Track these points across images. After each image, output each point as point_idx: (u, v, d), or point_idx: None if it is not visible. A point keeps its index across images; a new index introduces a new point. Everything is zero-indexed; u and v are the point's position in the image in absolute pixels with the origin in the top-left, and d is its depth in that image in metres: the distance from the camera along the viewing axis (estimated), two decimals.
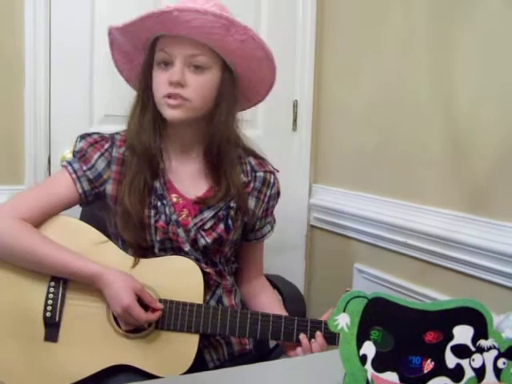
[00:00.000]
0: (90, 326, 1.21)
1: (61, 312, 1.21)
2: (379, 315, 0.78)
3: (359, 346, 0.78)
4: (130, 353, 1.20)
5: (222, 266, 1.34)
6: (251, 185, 1.35)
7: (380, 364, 0.77)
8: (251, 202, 1.35)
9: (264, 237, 1.42)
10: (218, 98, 1.27)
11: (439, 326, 0.78)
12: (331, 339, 1.21)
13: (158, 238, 1.25)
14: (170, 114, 1.23)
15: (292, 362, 1.16)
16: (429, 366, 0.77)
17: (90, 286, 1.20)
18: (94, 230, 1.27)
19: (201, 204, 1.29)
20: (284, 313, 1.34)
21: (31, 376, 1.19)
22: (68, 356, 1.20)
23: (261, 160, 1.40)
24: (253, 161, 1.38)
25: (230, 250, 1.35)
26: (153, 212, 1.26)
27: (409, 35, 1.72)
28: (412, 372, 0.77)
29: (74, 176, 1.27)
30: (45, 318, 1.20)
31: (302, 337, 1.21)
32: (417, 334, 0.78)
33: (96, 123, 1.81)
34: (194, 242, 1.27)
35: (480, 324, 0.77)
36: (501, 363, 0.77)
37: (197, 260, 1.27)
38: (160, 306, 1.20)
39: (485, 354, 0.77)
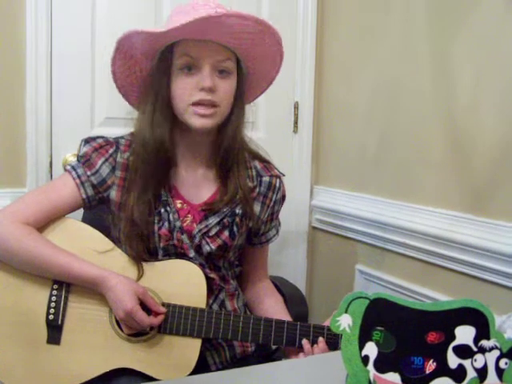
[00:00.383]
0: (92, 329, 1.21)
1: (63, 315, 1.21)
2: (381, 316, 0.78)
3: (361, 346, 0.78)
4: (132, 356, 1.20)
5: (226, 271, 1.34)
6: (256, 190, 1.34)
7: (382, 365, 0.77)
8: (256, 207, 1.33)
9: (269, 241, 1.42)
10: (234, 101, 1.26)
11: (441, 327, 0.78)
12: (333, 345, 1.20)
13: (162, 245, 1.25)
14: (199, 122, 1.20)
15: (294, 363, 1.16)
16: (431, 366, 0.77)
17: (93, 289, 1.20)
18: (98, 233, 1.26)
19: (206, 210, 1.28)
20: (289, 317, 1.34)
21: (33, 378, 1.19)
22: (70, 359, 1.20)
23: (266, 164, 1.38)
24: (258, 165, 1.36)
25: (234, 254, 1.35)
26: (156, 219, 1.25)
27: (409, 37, 1.72)
28: (414, 372, 0.77)
29: (77, 181, 1.25)
30: (47, 320, 1.20)
31: (305, 342, 1.20)
32: (419, 335, 0.78)
33: (97, 126, 1.81)
34: (198, 248, 1.27)
35: (482, 324, 0.77)
36: (503, 363, 0.77)
37: (201, 265, 1.26)
38: (163, 309, 1.20)
39: (487, 354, 0.77)
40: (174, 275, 1.24)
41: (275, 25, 2.07)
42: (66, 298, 1.22)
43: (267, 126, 2.08)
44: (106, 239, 1.26)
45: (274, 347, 1.45)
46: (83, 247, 1.23)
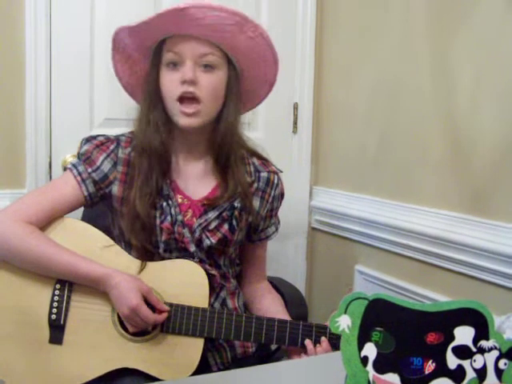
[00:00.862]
0: (94, 328, 1.21)
1: (66, 315, 1.21)
2: (380, 317, 0.78)
3: (360, 347, 0.78)
4: (135, 356, 1.20)
5: (227, 269, 1.34)
6: (255, 185, 1.35)
7: (381, 365, 0.77)
8: (256, 203, 1.35)
9: (268, 238, 1.42)
10: (225, 97, 1.27)
11: (440, 327, 0.78)
12: (336, 344, 1.20)
13: (163, 239, 1.25)
14: (185, 121, 1.23)
15: (293, 364, 1.16)
16: (430, 367, 0.77)
17: (96, 288, 1.20)
18: (99, 232, 1.27)
19: (206, 205, 1.29)
20: (287, 317, 1.34)
21: (36, 378, 1.19)
22: (72, 358, 1.20)
23: (264, 160, 1.40)
24: (256, 161, 1.38)
25: (234, 251, 1.36)
26: (158, 213, 1.26)
27: (409, 37, 1.72)
28: (413, 373, 0.77)
29: (78, 179, 1.26)
30: (50, 320, 1.21)
31: (308, 343, 1.20)
32: (418, 335, 0.78)
33: (96, 127, 1.81)
34: (199, 243, 1.27)
35: (481, 325, 0.77)
36: (502, 364, 0.77)
37: (201, 261, 1.27)
38: (167, 308, 1.20)
39: (486, 354, 0.77)
40: (176, 275, 1.24)
41: (274, 26, 2.08)
42: (69, 298, 1.22)
43: (267, 126, 2.09)
44: (106, 237, 1.26)
45: (274, 347, 1.45)
46: (84, 245, 1.23)
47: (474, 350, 0.77)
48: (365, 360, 0.78)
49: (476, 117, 1.50)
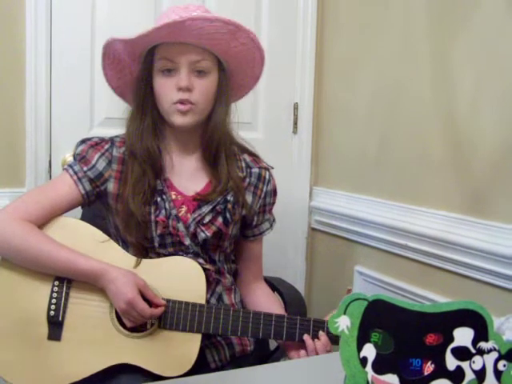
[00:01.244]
0: (93, 325, 1.22)
1: (64, 311, 1.22)
2: (379, 317, 0.78)
3: (359, 348, 0.78)
4: (133, 352, 1.20)
5: (221, 264, 1.35)
6: (247, 180, 1.38)
7: (380, 366, 0.77)
8: (248, 197, 1.37)
9: (262, 234, 1.44)
10: (216, 98, 1.31)
11: (440, 328, 0.78)
12: (333, 338, 1.20)
13: (158, 232, 1.27)
14: (180, 120, 1.27)
15: (292, 364, 1.16)
16: (429, 368, 0.77)
17: (94, 284, 1.21)
18: (96, 230, 1.28)
19: (199, 200, 1.31)
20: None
21: (34, 374, 1.20)
22: (71, 355, 1.20)
23: (255, 157, 1.43)
24: (247, 158, 1.41)
25: (229, 246, 1.37)
26: (153, 208, 1.28)
27: (409, 38, 1.72)
28: (412, 374, 0.77)
29: (75, 177, 1.29)
30: (48, 317, 1.21)
31: (307, 338, 1.21)
32: (417, 336, 0.78)
33: (96, 126, 1.81)
34: (193, 237, 1.29)
35: (480, 326, 0.77)
36: (501, 365, 0.77)
37: (196, 254, 1.29)
38: (163, 302, 1.21)
39: (485, 356, 0.77)
40: (173, 271, 1.26)
41: (275, 26, 2.08)
42: (67, 295, 1.23)
43: (267, 126, 2.09)
44: (103, 234, 1.28)
45: (272, 348, 1.45)
46: (81, 242, 1.24)
47: (474, 351, 0.77)
48: (364, 361, 0.78)
49: (476, 118, 1.50)
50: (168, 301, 1.22)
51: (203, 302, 1.23)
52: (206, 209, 1.31)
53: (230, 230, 1.33)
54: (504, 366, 0.77)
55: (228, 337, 1.30)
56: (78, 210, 1.41)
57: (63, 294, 1.23)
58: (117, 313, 1.22)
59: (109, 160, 1.31)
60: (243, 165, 1.39)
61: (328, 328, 1.20)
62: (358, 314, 0.78)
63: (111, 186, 1.30)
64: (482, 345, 0.77)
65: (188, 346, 1.21)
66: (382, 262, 1.84)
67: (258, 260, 1.48)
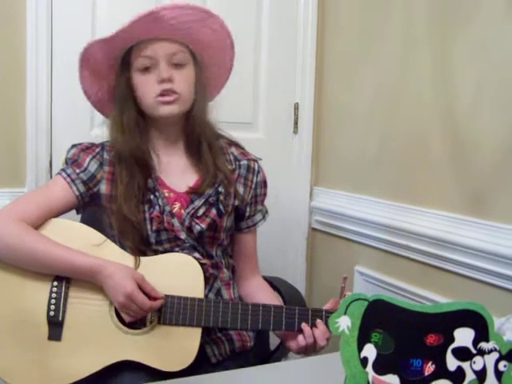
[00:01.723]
0: (92, 323, 1.22)
1: (64, 311, 1.22)
2: (380, 318, 0.78)
3: (360, 348, 0.78)
4: (133, 349, 1.21)
5: (219, 259, 1.36)
6: (236, 172, 1.40)
7: (381, 366, 0.77)
8: (239, 188, 1.39)
9: (255, 225, 1.45)
10: (195, 91, 1.35)
11: (440, 329, 0.78)
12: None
13: (154, 229, 1.28)
14: (166, 110, 1.29)
15: (293, 364, 1.16)
16: (430, 368, 0.77)
17: (92, 282, 1.21)
18: (93, 230, 1.28)
19: (191, 194, 1.33)
20: None
21: (35, 375, 1.20)
22: (71, 354, 1.21)
23: (242, 150, 1.45)
24: (235, 151, 1.43)
25: (226, 238, 1.38)
26: (147, 206, 1.30)
27: (409, 39, 1.72)
28: (413, 375, 0.77)
29: (68, 180, 1.31)
30: (48, 317, 1.22)
31: (304, 325, 1.21)
32: (418, 337, 0.78)
33: (96, 127, 1.81)
34: (189, 231, 1.31)
35: (481, 326, 0.77)
36: (502, 366, 0.77)
37: (193, 247, 1.30)
38: (161, 294, 1.21)
39: (486, 356, 0.77)
40: (171, 268, 1.26)
41: (276, 27, 2.08)
42: (66, 295, 1.23)
43: (267, 126, 2.09)
44: (100, 234, 1.28)
45: (272, 348, 1.45)
46: (78, 243, 1.25)
47: (474, 351, 0.77)
48: (364, 361, 0.78)
49: (476, 119, 1.50)
50: (167, 296, 1.22)
51: (202, 296, 1.23)
52: (198, 202, 1.33)
53: (225, 221, 1.35)
54: (505, 366, 0.77)
55: (228, 332, 1.31)
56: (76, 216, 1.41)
57: (62, 294, 1.23)
58: (116, 311, 1.22)
59: (100, 162, 1.33)
60: (231, 158, 1.41)
61: (326, 316, 1.21)
62: (359, 314, 0.78)
63: (104, 188, 1.32)
64: (483, 345, 0.77)
65: (188, 340, 1.21)
66: (383, 262, 1.84)
67: (254, 254, 1.48)
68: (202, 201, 1.33)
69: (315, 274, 2.21)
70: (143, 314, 1.20)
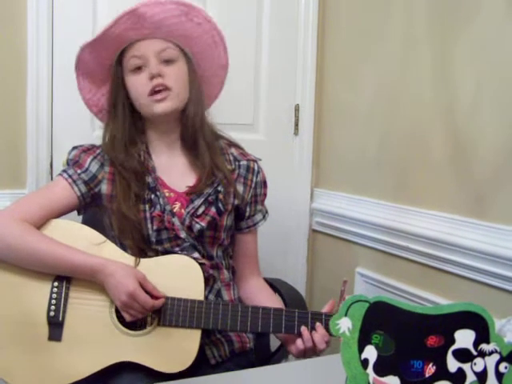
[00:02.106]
0: (93, 324, 1.22)
1: (64, 311, 1.23)
2: (381, 319, 0.78)
3: (361, 350, 0.78)
4: (133, 350, 1.21)
5: (220, 260, 1.36)
6: (236, 172, 1.40)
7: (381, 368, 0.77)
8: (239, 188, 1.39)
9: (256, 225, 1.45)
10: (189, 88, 1.35)
11: (441, 330, 0.77)
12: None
13: (155, 227, 1.28)
14: (159, 107, 1.30)
15: (294, 366, 1.16)
16: (430, 370, 0.77)
17: (93, 281, 1.22)
18: (93, 231, 1.29)
19: (191, 194, 1.34)
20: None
21: (36, 375, 1.20)
22: (71, 355, 1.21)
23: (242, 150, 1.46)
24: (235, 151, 1.44)
25: (226, 238, 1.38)
26: (147, 206, 1.30)
27: (409, 39, 1.72)
28: (413, 376, 0.77)
29: (69, 180, 1.31)
30: (48, 317, 1.22)
31: (303, 329, 1.21)
32: (418, 338, 0.78)
33: (98, 128, 1.81)
34: (189, 229, 1.31)
35: (482, 328, 0.77)
36: (502, 367, 0.77)
37: (193, 247, 1.30)
38: (162, 294, 1.22)
39: (487, 358, 0.77)
40: (170, 270, 1.26)
41: (276, 28, 2.08)
42: (67, 295, 1.23)
43: (268, 128, 2.09)
44: (100, 235, 1.28)
45: (273, 349, 1.45)
46: (78, 243, 1.25)
47: (475, 353, 0.77)
48: (365, 362, 0.78)
49: (477, 119, 1.50)
50: (167, 298, 1.22)
51: (202, 298, 1.24)
52: (198, 202, 1.33)
53: (225, 220, 1.35)
54: (505, 368, 0.77)
55: (227, 334, 1.31)
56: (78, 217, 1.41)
57: (63, 295, 1.23)
58: (117, 311, 1.22)
59: (101, 163, 1.34)
60: (231, 158, 1.42)
61: (326, 320, 1.21)
62: (359, 315, 0.78)
63: (105, 188, 1.32)
64: (484, 347, 0.77)
65: (188, 341, 1.21)
66: (383, 264, 1.84)
67: (254, 255, 1.49)
68: (202, 200, 1.33)
69: (316, 275, 2.21)
70: (145, 313, 1.20)
